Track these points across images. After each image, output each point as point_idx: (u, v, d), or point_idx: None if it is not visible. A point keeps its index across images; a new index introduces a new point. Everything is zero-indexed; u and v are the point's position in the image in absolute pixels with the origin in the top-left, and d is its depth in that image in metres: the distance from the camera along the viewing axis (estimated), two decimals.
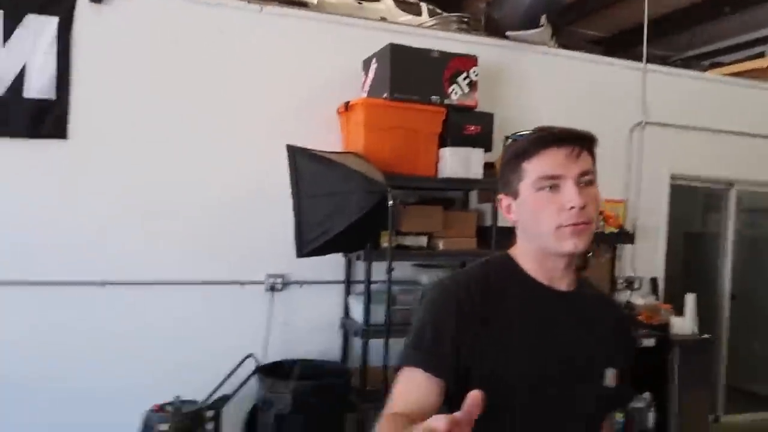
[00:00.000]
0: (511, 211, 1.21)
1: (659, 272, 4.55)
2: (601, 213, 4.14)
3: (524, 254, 1.22)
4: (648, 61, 4.51)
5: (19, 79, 2.92)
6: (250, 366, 3.12)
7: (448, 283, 1.21)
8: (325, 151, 3.05)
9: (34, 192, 3.06)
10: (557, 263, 1.18)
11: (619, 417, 3.87)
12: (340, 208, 2.91)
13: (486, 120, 3.55)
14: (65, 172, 3.11)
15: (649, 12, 4.68)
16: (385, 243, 3.34)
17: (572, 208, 1.11)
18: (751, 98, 4.85)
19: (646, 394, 4.00)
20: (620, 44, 6.07)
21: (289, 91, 3.50)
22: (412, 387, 1.09)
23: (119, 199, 3.19)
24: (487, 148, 3.56)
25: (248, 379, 2.96)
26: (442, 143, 3.44)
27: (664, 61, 5.23)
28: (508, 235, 3.96)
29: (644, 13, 4.62)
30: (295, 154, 2.87)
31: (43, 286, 3.04)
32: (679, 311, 4.28)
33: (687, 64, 5.95)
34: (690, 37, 6.41)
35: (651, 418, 3.96)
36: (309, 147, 3.06)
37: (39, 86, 2.95)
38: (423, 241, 3.51)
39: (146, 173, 3.24)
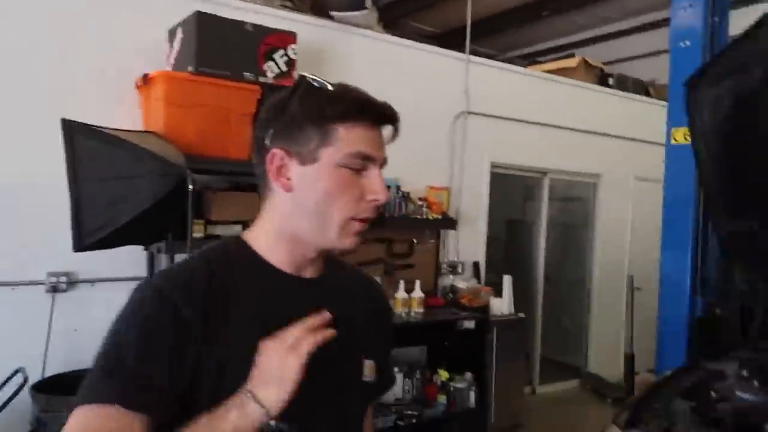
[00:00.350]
0: (288, 175, 0.94)
1: (480, 257, 4.72)
2: (425, 200, 4.18)
3: (270, 236, 0.98)
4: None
5: None
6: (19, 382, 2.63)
7: (158, 282, 0.92)
8: (112, 129, 2.67)
9: None
10: (313, 252, 0.99)
11: (442, 399, 3.95)
12: (129, 193, 2.56)
13: None
14: None
15: (476, 11, 4.82)
16: (196, 233, 3.05)
17: (374, 200, 0.94)
18: (564, 94, 5.19)
19: (468, 375, 4.12)
20: (451, 41, 6.23)
21: (79, 61, 3.04)
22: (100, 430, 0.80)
23: None
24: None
25: (12, 397, 2.48)
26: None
27: (489, 58, 5.45)
28: None
29: (468, 10, 4.74)
30: (72, 130, 2.47)
31: None
32: (500, 293, 4.47)
33: (510, 63, 6.27)
34: (513, 38, 6.79)
35: (472, 396, 4.09)
36: (100, 125, 2.67)
37: None
38: (237, 230, 3.26)
39: None
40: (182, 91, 2.90)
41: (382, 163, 0.97)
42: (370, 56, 4.06)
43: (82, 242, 2.55)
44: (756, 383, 1.67)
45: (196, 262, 0.96)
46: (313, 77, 0.96)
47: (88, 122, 2.60)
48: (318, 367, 0.93)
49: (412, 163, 4.23)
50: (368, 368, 1.05)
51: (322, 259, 1.02)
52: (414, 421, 3.67)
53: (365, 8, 3.79)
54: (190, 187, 2.61)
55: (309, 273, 1.01)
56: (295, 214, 0.96)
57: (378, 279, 3.85)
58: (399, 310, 3.91)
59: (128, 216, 2.52)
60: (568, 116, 5.14)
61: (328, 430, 0.99)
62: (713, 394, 1.69)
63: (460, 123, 4.53)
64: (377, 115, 0.96)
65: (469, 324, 4.05)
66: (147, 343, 0.85)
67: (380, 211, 0.99)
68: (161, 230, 2.89)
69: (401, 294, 3.94)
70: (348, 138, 0.92)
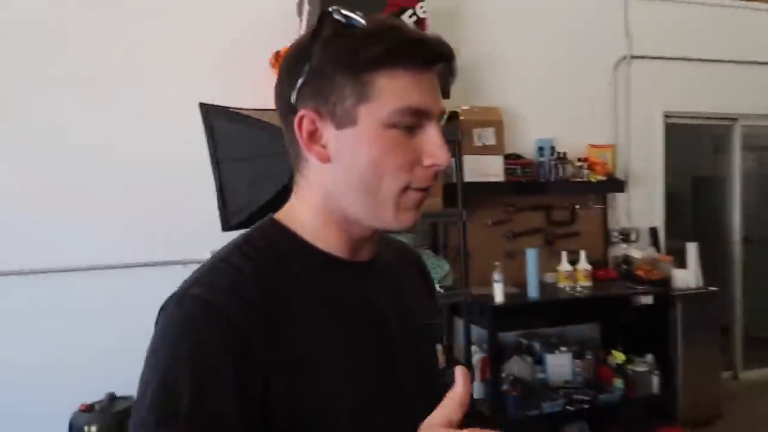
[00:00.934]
0: (324, 142, 0.75)
1: (658, 221, 4.13)
2: (585, 160, 3.73)
3: (315, 219, 0.79)
4: None
5: None
6: None
7: (200, 292, 0.70)
8: (248, 109, 2.68)
9: None
10: (368, 232, 0.80)
11: (618, 383, 3.51)
12: (268, 171, 2.55)
13: None
14: None
15: None
16: None
17: (434, 165, 0.74)
18: (760, 22, 4.33)
19: (648, 357, 3.62)
20: None
21: (212, 42, 3.11)
22: None
23: (34, 179, 2.88)
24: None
25: None
26: None
27: None
28: (478, 190, 3.60)
29: None
30: (210, 113, 2.50)
31: None
32: (684, 263, 3.87)
33: None
34: None
35: (655, 381, 3.58)
36: (239, 106, 2.70)
37: None
38: None
39: (61, 146, 2.91)
40: None
41: (440, 115, 0.76)
42: (509, 9, 3.69)
43: (228, 222, 2.60)
44: None
45: (238, 261, 0.74)
46: (341, 11, 0.73)
47: (226, 103, 2.63)
48: (402, 368, 0.81)
49: (569, 121, 3.81)
50: (440, 353, 0.89)
51: (373, 242, 0.83)
52: (586, 406, 3.29)
53: None
54: None
55: (365, 255, 0.82)
56: (339, 190, 0.76)
57: (537, 250, 3.53)
58: (562, 284, 3.54)
59: (269, 194, 2.51)
60: (765, 49, 4.28)
61: None
62: None
63: (623, 70, 3.97)
64: (428, 53, 0.73)
65: (647, 299, 3.54)
66: (205, 374, 0.66)
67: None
68: None
69: (564, 266, 3.56)
70: (393, 89, 0.71)
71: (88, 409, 2.63)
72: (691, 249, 3.85)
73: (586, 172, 3.71)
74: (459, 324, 3.37)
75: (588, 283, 3.56)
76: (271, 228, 0.79)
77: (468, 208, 3.27)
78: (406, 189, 0.74)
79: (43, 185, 2.90)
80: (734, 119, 4.45)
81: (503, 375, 3.29)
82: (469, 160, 3.33)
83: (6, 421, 2.75)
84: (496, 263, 3.24)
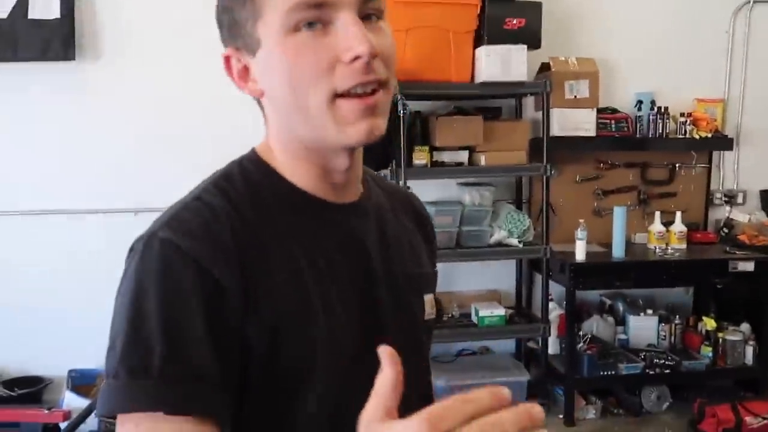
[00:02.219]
0: (249, 77, 0.71)
1: None
2: (689, 115, 3.49)
3: (283, 150, 0.74)
4: None
5: (23, 1, 2.88)
6: None
7: (169, 234, 0.65)
8: None
9: (59, 119, 3.10)
10: (339, 161, 0.72)
11: (707, 351, 3.36)
12: None
13: (532, 11, 3.03)
14: (89, 97, 3.10)
15: None
16: (419, 160, 3.05)
17: (357, 58, 0.64)
18: None
19: (744, 326, 3.43)
20: None
21: None
22: None
23: (142, 123, 3.14)
24: (534, 44, 3.06)
25: None
26: (479, 42, 2.99)
27: None
28: (567, 145, 3.52)
29: None
30: None
31: (75, 215, 3.11)
32: None
33: None
34: None
35: (749, 352, 3.40)
36: None
37: (43, 7, 2.89)
38: (463, 156, 3.15)
39: (167, 95, 3.14)
40: (397, 14, 2.83)
41: (357, 2, 0.65)
42: None
43: None
44: None
45: (212, 199, 0.69)
46: None
47: None
48: (384, 317, 0.77)
49: (674, 73, 3.55)
50: (429, 304, 0.84)
51: (356, 172, 0.77)
52: (667, 371, 3.19)
53: None
54: (401, 112, 2.56)
55: (350, 196, 0.77)
56: (282, 120, 0.72)
57: (626, 209, 3.40)
58: (653, 245, 3.39)
59: None
60: None
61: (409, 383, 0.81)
62: None
63: (742, 17, 3.61)
64: None
65: (747, 266, 3.32)
66: (177, 326, 0.62)
67: (383, 75, 0.67)
68: (386, 158, 2.94)
69: (656, 226, 3.40)
70: None
71: None
72: None
73: (689, 128, 3.46)
74: (538, 280, 3.35)
75: (681, 246, 3.38)
76: (251, 163, 0.75)
77: (554, 163, 3.20)
78: (334, 98, 0.66)
79: (156, 130, 3.16)
80: None
81: (581, 333, 3.26)
82: (558, 114, 3.22)
83: None
84: (581, 220, 3.17)
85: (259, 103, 0.75)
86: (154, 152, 3.16)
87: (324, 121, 0.67)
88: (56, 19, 2.89)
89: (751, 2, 3.59)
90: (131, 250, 0.68)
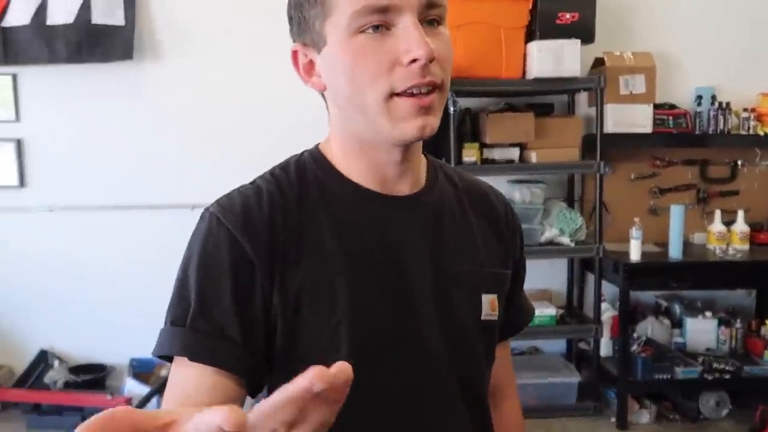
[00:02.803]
0: (314, 72, 0.76)
1: None
2: (752, 110, 3.34)
3: (341, 145, 0.78)
4: None
5: (87, 5, 3.01)
6: None
7: (216, 209, 0.74)
8: None
9: (120, 117, 3.24)
10: (391, 155, 0.75)
11: None
12: None
13: (585, 4, 2.96)
14: (149, 96, 3.23)
15: None
16: (469, 157, 3.03)
17: (414, 61, 0.67)
18: None
19: None
20: None
21: None
22: (188, 391, 0.69)
23: (199, 122, 3.24)
24: (588, 38, 2.99)
25: None
26: (531, 37, 2.95)
27: None
28: (622, 142, 3.42)
29: None
30: None
31: (134, 210, 3.25)
32: None
33: None
34: None
35: None
36: None
37: (104, 11, 3.02)
38: (514, 153, 3.12)
39: (223, 93, 3.24)
40: (450, 11, 2.80)
41: (424, 6, 0.69)
42: None
43: None
44: None
45: (262, 183, 0.77)
46: None
47: None
48: (421, 314, 0.77)
49: (738, 66, 3.41)
50: (488, 304, 0.82)
51: (416, 169, 0.80)
52: (727, 377, 3.07)
53: None
54: (451, 109, 2.55)
55: (403, 188, 0.79)
56: (342, 115, 0.76)
57: (684, 207, 3.28)
58: (713, 245, 3.27)
59: None
60: None
61: (452, 388, 0.80)
62: None
63: None
64: None
65: None
66: (208, 287, 0.71)
67: (439, 78, 0.70)
68: (436, 155, 2.93)
69: (717, 226, 3.28)
70: None
71: None
72: None
73: (753, 123, 3.32)
74: (591, 280, 3.28)
75: (744, 246, 3.25)
76: (311, 156, 0.81)
77: (608, 160, 3.13)
78: (391, 96, 0.69)
79: (213, 130, 3.27)
80: None
81: (635, 335, 3.17)
82: (612, 110, 3.14)
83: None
84: (636, 219, 3.08)
85: (323, 96, 0.79)
86: (207, 150, 3.26)
87: (379, 116, 0.71)
88: (119, 25, 3.04)
89: None
90: (200, 218, 0.77)
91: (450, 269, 0.81)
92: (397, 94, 0.69)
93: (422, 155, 0.83)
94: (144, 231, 3.27)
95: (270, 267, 0.72)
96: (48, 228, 3.29)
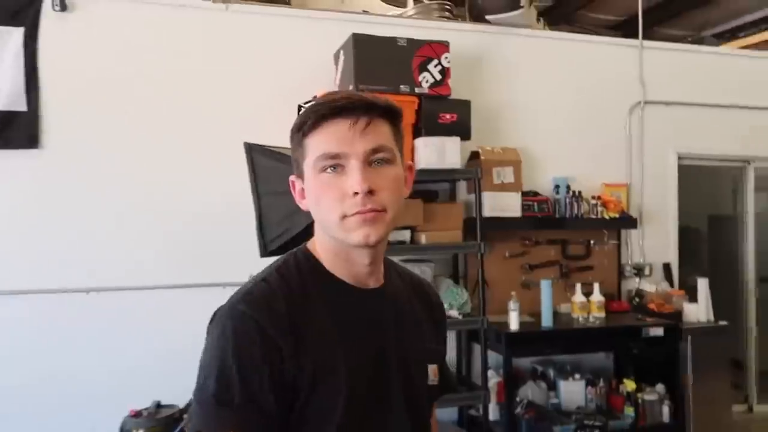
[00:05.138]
0: (303, 195, 1.01)
1: (672, 258, 4.30)
2: (599, 198, 3.96)
3: (324, 249, 1.02)
4: (665, 41, 4.30)
5: None
6: None
7: (242, 307, 0.93)
8: (287, 148, 2.99)
9: (12, 202, 3.14)
10: (360, 257, 0.99)
11: (629, 411, 3.67)
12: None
13: (462, 107, 3.44)
14: (41, 182, 3.17)
15: None
16: None
17: (356, 194, 0.92)
18: (764, 71, 4.55)
19: (659, 387, 3.78)
20: (636, 27, 5.83)
21: (259, 89, 3.46)
22: None
23: (96, 207, 3.23)
24: (466, 135, 3.45)
25: None
26: (418, 134, 3.35)
27: (676, 42, 4.97)
28: (497, 225, 3.84)
29: None
30: (252, 151, 2.83)
31: (26, 295, 3.10)
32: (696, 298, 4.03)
33: (701, 43, 5.63)
34: (706, 15, 6.08)
35: (665, 411, 3.73)
36: (278, 145, 3.01)
37: (8, 97, 3.00)
38: (406, 235, 3.42)
39: (121, 179, 3.26)
40: None
41: (368, 153, 0.94)
42: (530, 56, 3.99)
43: (266, 249, 2.89)
44: None
45: (274, 281, 0.98)
46: (304, 103, 1.07)
47: (268, 142, 2.95)
48: (390, 378, 1.02)
49: (585, 161, 4.05)
50: (432, 372, 1.10)
51: (379, 268, 1.05)
52: (597, 431, 3.46)
53: (520, 7, 3.74)
54: None
55: (371, 283, 1.03)
56: (320, 227, 1.01)
57: (551, 281, 3.72)
58: (576, 314, 3.74)
59: (300, 226, 2.80)
60: None
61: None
62: None
63: (637, 114, 4.21)
64: (332, 109, 0.94)
65: (656, 331, 3.71)
66: (249, 374, 0.89)
67: (379, 205, 0.94)
68: None
69: (578, 297, 3.77)
70: (313, 144, 0.95)
71: (137, 414, 2.92)
72: (702, 284, 4.01)
73: (600, 209, 3.93)
74: (477, 349, 3.58)
75: (601, 314, 3.74)
76: (303, 255, 1.03)
77: (487, 241, 3.52)
78: (344, 217, 0.93)
79: (109, 214, 3.26)
80: (747, 161, 4.63)
81: (518, 399, 3.48)
82: (488, 197, 3.59)
83: (65, 423, 3.05)
84: (512, 293, 3.47)
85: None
86: (102, 234, 3.25)
87: (338, 230, 0.96)
88: (20, 110, 3.02)
89: (642, 103, 4.21)
90: (215, 316, 0.96)
91: (408, 344, 1.06)
92: (347, 216, 0.94)
93: None
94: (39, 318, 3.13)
95: (293, 350, 0.92)
96: None
